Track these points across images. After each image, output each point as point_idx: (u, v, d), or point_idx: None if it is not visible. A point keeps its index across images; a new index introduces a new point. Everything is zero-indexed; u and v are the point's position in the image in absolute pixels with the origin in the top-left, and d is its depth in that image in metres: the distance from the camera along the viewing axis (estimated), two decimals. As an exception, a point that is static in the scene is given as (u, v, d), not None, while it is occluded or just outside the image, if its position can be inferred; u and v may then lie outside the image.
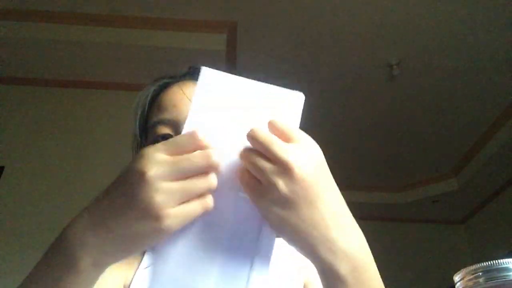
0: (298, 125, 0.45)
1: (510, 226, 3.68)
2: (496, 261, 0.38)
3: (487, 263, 0.38)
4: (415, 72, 2.91)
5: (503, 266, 0.38)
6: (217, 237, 0.42)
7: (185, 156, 0.40)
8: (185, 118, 0.62)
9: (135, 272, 0.62)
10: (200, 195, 0.40)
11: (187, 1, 2.50)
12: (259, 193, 0.40)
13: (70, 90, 2.83)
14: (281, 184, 0.39)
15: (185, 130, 0.43)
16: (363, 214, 4.45)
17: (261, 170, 0.40)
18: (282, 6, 2.51)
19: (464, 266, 0.40)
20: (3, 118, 2.66)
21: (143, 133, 0.70)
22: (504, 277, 0.37)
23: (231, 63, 2.83)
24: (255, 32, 2.68)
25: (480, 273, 0.38)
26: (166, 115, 0.65)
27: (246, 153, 0.42)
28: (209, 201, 0.41)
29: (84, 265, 0.40)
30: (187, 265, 0.41)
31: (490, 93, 3.05)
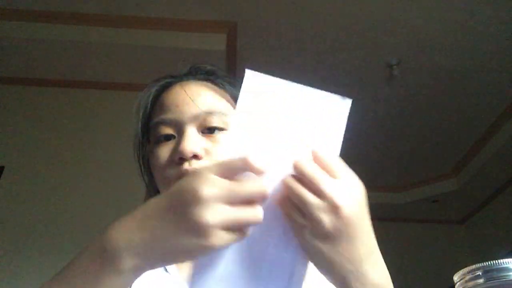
0: (343, 131, 0.46)
1: (510, 226, 3.68)
2: (496, 261, 0.38)
3: (487, 263, 0.38)
4: (415, 72, 2.91)
5: (503, 266, 0.38)
6: (256, 259, 0.43)
7: (242, 183, 0.41)
8: (187, 118, 0.63)
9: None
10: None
11: (187, 1, 2.50)
12: (301, 225, 0.41)
13: (70, 90, 2.83)
14: (327, 220, 0.40)
15: (231, 137, 0.44)
16: (363, 214, 4.45)
17: (306, 204, 0.41)
18: (282, 6, 2.51)
19: (464, 266, 0.40)
20: (3, 118, 2.66)
21: (145, 132, 0.70)
22: (504, 277, 0.37)
23: (231, 63, 2.83)
24: (255, 32, 2.68)
25: (480, 273, 0.38)
26: (169, 115, 0.65)
27: (291, 183, 0.42)
28: (251, 230, 0.42)
29: (126, 267, 0.41)
30: (224, 284, 0.42)
31: (490, 93, 3.05)
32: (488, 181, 3.80)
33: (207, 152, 0.63)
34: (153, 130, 0.66)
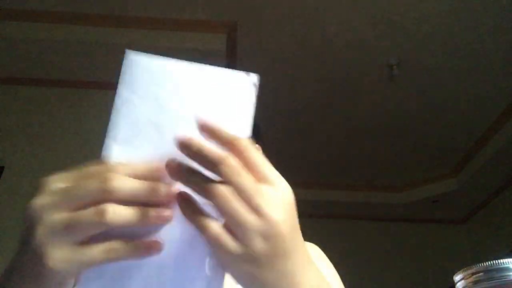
0: (253, 112, 0.37)
1: (510, 226, 3.68)
2: (496, 261, 0.38)
3: (487, 263, 0.38)
4: (415, 72, 2.91)
5: (503, 266, 0.37)
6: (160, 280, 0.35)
7: (80, 182, 0.34)
8: None
9: None
10: (105, 235, 0.33)
11: (187, 1, 2.50)
12: (228, 250, 0.33)
13: (70, 90, 2.83)
14: (262, 243, 0.33)
15: (110, 130, 0.37)
16: (363, 214, 4.45)
17: (242, 225, 0.33)
18: (282, 6, 2.51)
19: (464, 266, 0.40)
20: (3, 118, 2.66)
21: None
22: (504, 277, 0.37)
23: (231, 63, 2.83)
24: (255, 32, 2.68)
25: (480, 273, 0.38)
26: None
27: (223, 196, 0.33)
28: (116, 248, 0.32)
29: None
30: None
31: (490, 93, 3.05)
32: (488, 181, 3.80)
33: None
34: None
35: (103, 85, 2.86)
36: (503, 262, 0.38)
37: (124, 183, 0.33)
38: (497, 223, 3.99)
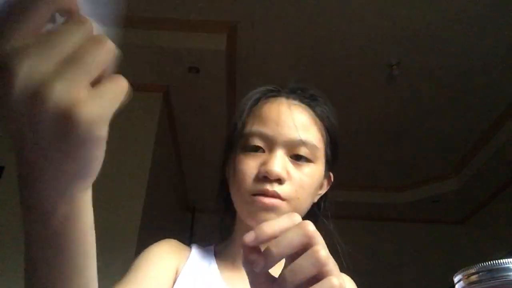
0: None
1: (510, 226, 3.68)
2: (496, 261, 0.38)
3: (487, 263, 0.38)
4: (415, 72, 2.91)
5: (503, 266, 0.37)
6: None
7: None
8: (283, 141, 0.64)
9: (186, 260, 0.68)
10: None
11: (187, 1, 2.50)
12: None
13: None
14: None
15: None
16: (363, 214, 4.45)
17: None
18: (282, 7, 2.51)
19: (464, 266, 0.40)
20: (3, 118, 2.66)
21: (237, 135, 0.70)
22: (504, 277, 0.37)
23: (231, 63, 2.84)
24: (255, 32, 2.68)
25: (480, 273, 0.38)
26: (266, 130, 0.65)
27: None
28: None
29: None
30: None
31: (490, 93, 3.05)
32: (488, 181, 3.80)
33: (289, 177, 0.64)
34: (246, 137, 0.67)
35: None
36: (503, 262, 0.38)
37: None
38: (497, 223, 3.99)
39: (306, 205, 0.68)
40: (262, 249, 0.38)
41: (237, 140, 0.69)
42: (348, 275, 0.74)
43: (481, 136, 3.47)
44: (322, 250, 0.37)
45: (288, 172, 0.64)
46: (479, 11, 2.46)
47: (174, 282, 0.65)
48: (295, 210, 0.64)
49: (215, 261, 0.71)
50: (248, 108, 0.72)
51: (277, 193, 0.62)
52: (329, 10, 2.52)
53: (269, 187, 0.62)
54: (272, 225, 0.39)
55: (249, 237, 0.38)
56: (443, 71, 2.90)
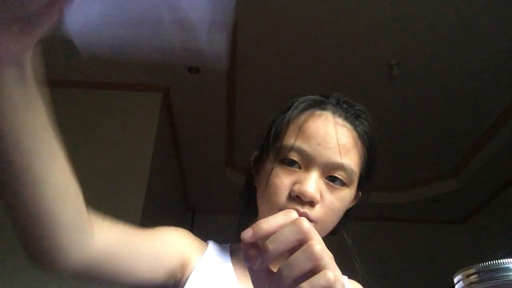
0: None
1: (510, 226, 3.68)
2: (496, 261, 0.38)
3: (487, 263, 0.38)
4: (415, 72, 2.91)
5: (503, 266, 0.37)
6: None
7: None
8: (322, 162, 0.62)
9: (203, 254, 0.68)
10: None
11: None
12: None
13: (70, 90, 2.84)
14: None
15: None
16: (363, 214, 4.45)
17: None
18: (282, 7, 2.51)
19: (464, 266, 0.40)
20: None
21: (276, 144, 0.68)
22: (504, 277, 0.37)
23: (231, 63, 2.83)
24: (255, 32, 2.68)
25: (480, 273, 0.38)
26: (307, 148, 0.64)
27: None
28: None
29: None
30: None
31: (490, 93, 3.05)
32: (488, 181, 3.80)
33: (321, 199, 0.63)
34: (283, 150, 0.65)
35: (103, 85, 2.87)
36: (503, 262, 0.38)
37: None
38: (497, 223, 3.99)
39: (332, 226, 0.67)
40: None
41: (274, 149, 0.67)
42: (348, 275, 0.74)
43: (481, 136, 3.47)
44: (317, 244, 0.38)
45: (321, 195, 0.63)
46: (479, 11, 2.46)
47: (183, 268, 0.65)
48: (321, 231, 0.63)
49: (230, 260, 0.71)
50: (290, 118, 0.69)
51: (307, 214, 0.61)
52: (329, 10, 2.52)
53: (300, 208, 0.61)
54: (269, 222, 0.40)
55: (247, 234, 0.39)
56: (443, 71, 2.90)
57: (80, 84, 2.85)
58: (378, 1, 2.45)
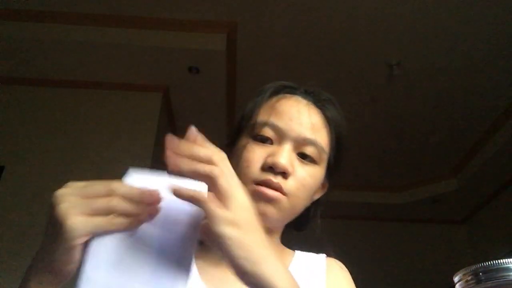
0: None
1: (510, 226, 3.68)
2: (496, 261, 0.38)
3: (487, 263, 0.38)
4: (415, 72, 2.91)
5: (503, 266, 0.37)
6: (146, 252, 0.45)
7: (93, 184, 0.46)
8: (294, 137, 0.65)
9: None
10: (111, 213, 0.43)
11: (187, 1, 2.50)
12: (217, 212, 0.42)
13: (70, 90, 2.83)
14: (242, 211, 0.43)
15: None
16: (363, 214, 4.45)
17: (230, 195, 0.42)
18: (282, 6, 2.51)
19: (464, 266, 0.40)
20: (3, 118, 2.66)
21: (249, 122, 0.71)
22: (504, 277, 0.37)
23: (231, 63, 2.83)
24: (255, 32, 2.68)
25: (480, 273, 0.38)
26: (280, 123, 0.66)
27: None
28: (116, 221, 0.43)
29: None
30: (117, 273, 0.43)
31: (490, 93, 3.05)
32: (488, 181, 3.80)
33: (293, 172, 0.65)
34: (256, 127, 0.67)
35: (103, 85, 2.87)
36: (503, 262, 0.38)
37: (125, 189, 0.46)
38: (497, 223, 3.99)
39: (302, 204, 0.68)
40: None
41: (247, 128, 0.70)
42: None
43: (481, 136, 3.47)
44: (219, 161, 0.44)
45: (293, 167, 0.64)
46: (480, 11, 2.46)
47: None
48: (292, 206, 0.65)
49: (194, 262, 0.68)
50: (262, 99, 0.72)
51: (280, 186, 0.62)
52: (329, 10, 2.52)
53: (273, 178, 0.62)
54: (194, 149, 0.45)
55: (173, 142, 0.46)
56: (443, 71, 2.90)
57: (80, 84, 2.85)
58: (378, 1, 2.45)
